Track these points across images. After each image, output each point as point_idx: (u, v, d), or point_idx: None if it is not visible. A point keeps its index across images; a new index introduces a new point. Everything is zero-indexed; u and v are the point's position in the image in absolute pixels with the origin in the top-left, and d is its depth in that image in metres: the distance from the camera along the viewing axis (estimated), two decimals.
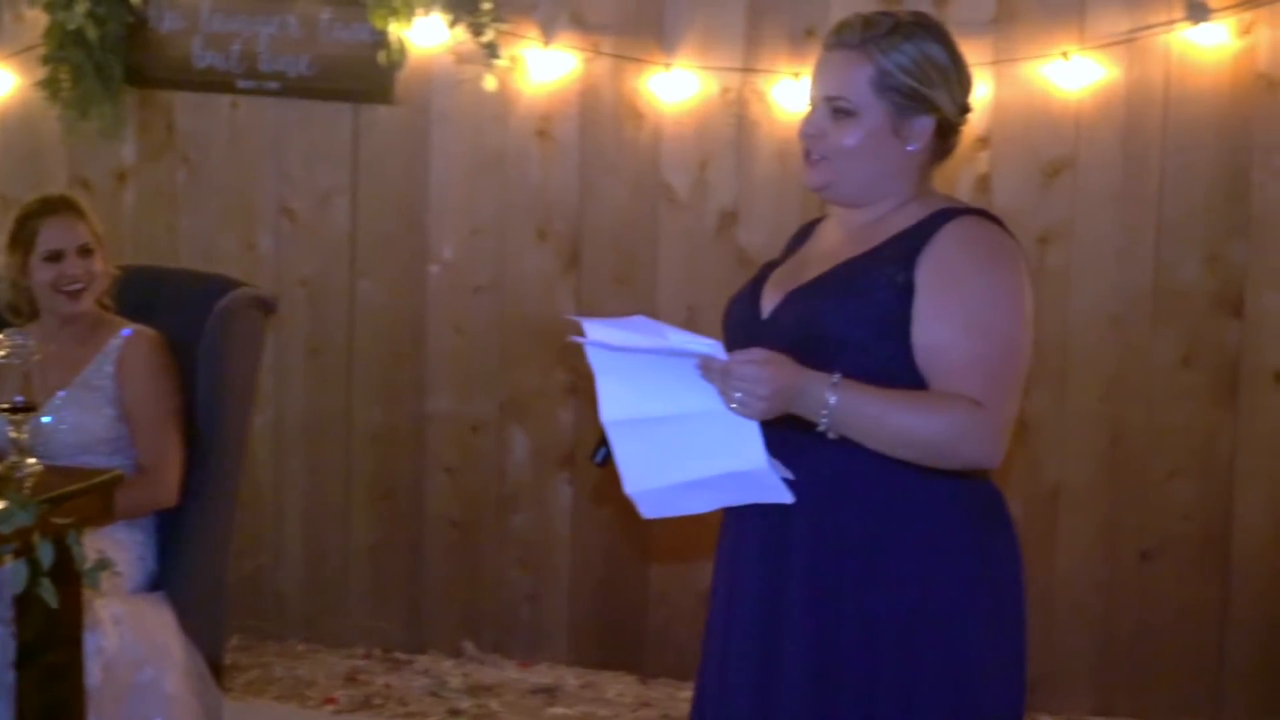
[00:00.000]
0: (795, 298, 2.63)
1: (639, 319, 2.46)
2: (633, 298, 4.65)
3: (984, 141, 4.57)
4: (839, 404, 2.44)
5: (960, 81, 2.64)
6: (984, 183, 4.59)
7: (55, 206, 4.21)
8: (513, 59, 4.82)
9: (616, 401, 2.55)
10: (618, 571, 4.79)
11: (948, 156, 2.69)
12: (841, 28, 2.64)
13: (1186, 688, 4.62)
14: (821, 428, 2.46)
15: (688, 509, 2.63)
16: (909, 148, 2.63)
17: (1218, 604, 4.56)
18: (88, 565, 3.40)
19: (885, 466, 2.52)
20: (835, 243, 2.70)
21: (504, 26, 4.79)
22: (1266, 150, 4.40)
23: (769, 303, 2.68)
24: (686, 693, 4.82)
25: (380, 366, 5.12)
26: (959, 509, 2.57)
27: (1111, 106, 4.51)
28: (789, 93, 4.54)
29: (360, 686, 4.88)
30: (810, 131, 2.63)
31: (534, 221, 4.92)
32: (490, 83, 4.82)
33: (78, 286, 4.10)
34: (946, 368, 2.50)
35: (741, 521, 2.67)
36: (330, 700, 4.77)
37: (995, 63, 4.53)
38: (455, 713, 4.68)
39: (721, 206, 4.73)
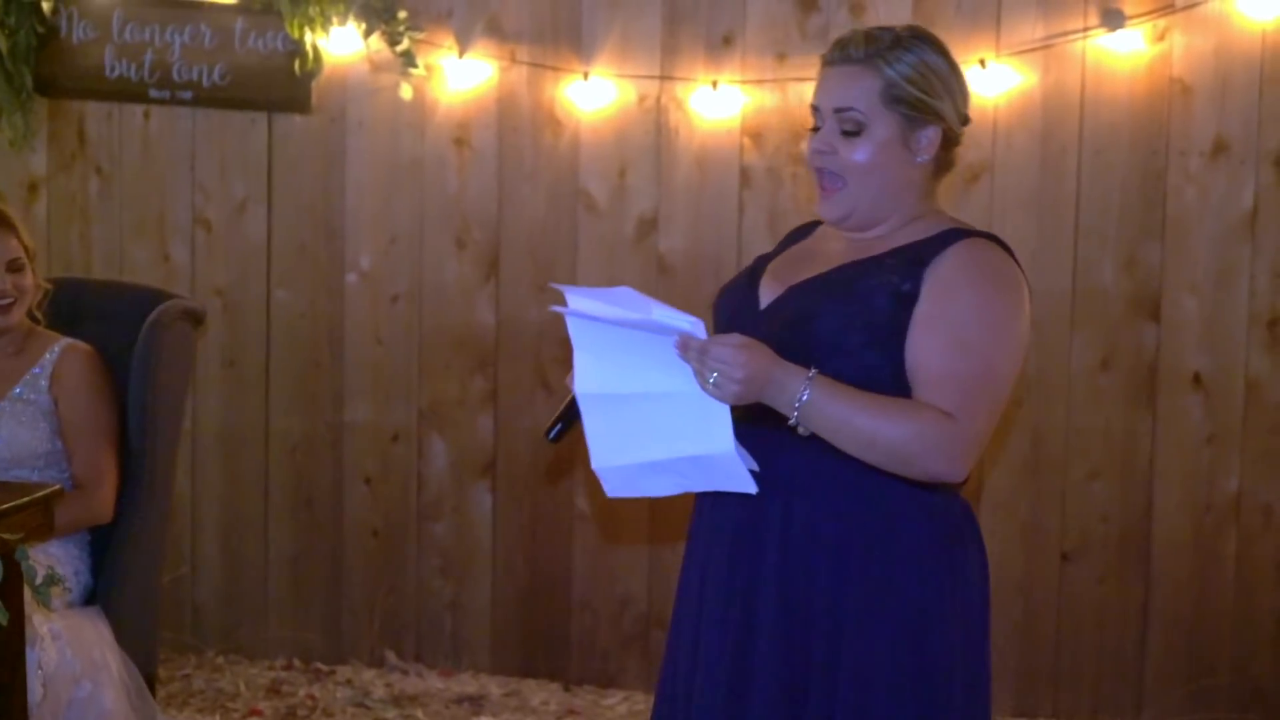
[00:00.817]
0: (796, 292, 2.63)
1: (623, 290, 2.43)
2: (552, 305, 4.63)
3: None
4: (811, 399, 2.44)
5: (961, 91, 2.67)
6: None
7: None
8: (429, 68, 4.78)
9: (591, 374, 2.52)
10: (540, 579, 4.72)
11: (950, 169, 2.70)
12: (844, 44, 2.64)
13: (1107, 687, 4.61)
14: (792, 421, 2.46)
15: (651, 491, 2.61)
16: (918, 160, 2.64)
17: (1138, 604, 4.55)
18: (38, 581, 3.36)
19: (862, 475, 2.53)
20: (839, 244, 2.71)
21: (419, 35, 4.75)
22: (1182, 154, 4.40)
23: (767, 294, 2.68)
24: (610, 699, 4.79)
25: (298, 376, 5.06)
26: (932, 521, 2.58)
27: (1028, 112, 4.49)
28: (707, 100, 4.54)
29: (283, 698, 4.81)
30: (821, 148, 2.63)
31: (452, 230, 4.87)
32: (406, 91, 4.78)
33: (7, 301, 4.02)
34: (925, 378, 2.50)
35: (716, 513, 2.67)
36: (255, 712, 4.70)
37: None
38: None
39: (641, 213, 4.69)
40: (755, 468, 2.51)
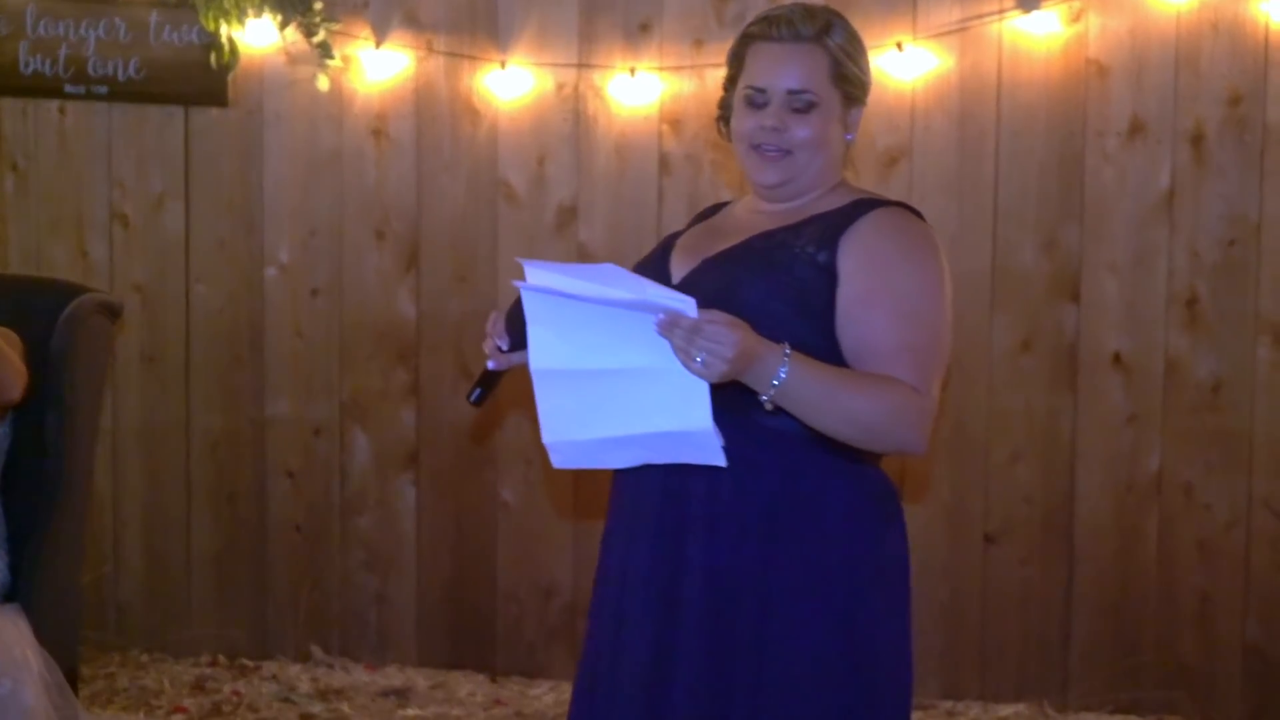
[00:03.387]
0: (710, 265, 2.59)
1: (608, 267, 2.34)
2: (473, 296, 4.56)
3: None
4: (789, 376, 2.38)
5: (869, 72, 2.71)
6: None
7: None
8: (345, 59, 4.72)
9: (547, 350, 2.44)
10: (465, 571, 4.61)
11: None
12: (788, 19, 2.60)
13: (1033, 668, 4.57)
14: (765, 398, 2.40)
15: (607, 463, 2.58)
16: (848, 137, 2.65)
17: (1062, 584, 4.51)
18: None
19: (785, 454, 2.51)
20: (751, 217, 2.68)
21: (336, 26, 4.68)
22: (1099, 135, 4.36)
23: (679, 269, 2.63)
24: (537, 690, 4.72)
25: (218, 372, 4.97)
26: (857, 497, 2.55)
27: (946, 95, 4.46)
28: (625, 88, 4.53)
29: (208, 694, 4.70)
30: (773, 124, 2.58)
31: (371, 222, 4.79)
32: (323, 83, 4.70)
33: None
34: (877, 352, 2.47)
35: (637, 494, 2.63)
36: (180, 709, 4.57)
37: None
38: (307, 717, 4.51)
39: (560, 202, 4.61)
40: (723, 442, 2.43)
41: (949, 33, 4.35)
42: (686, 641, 2.57)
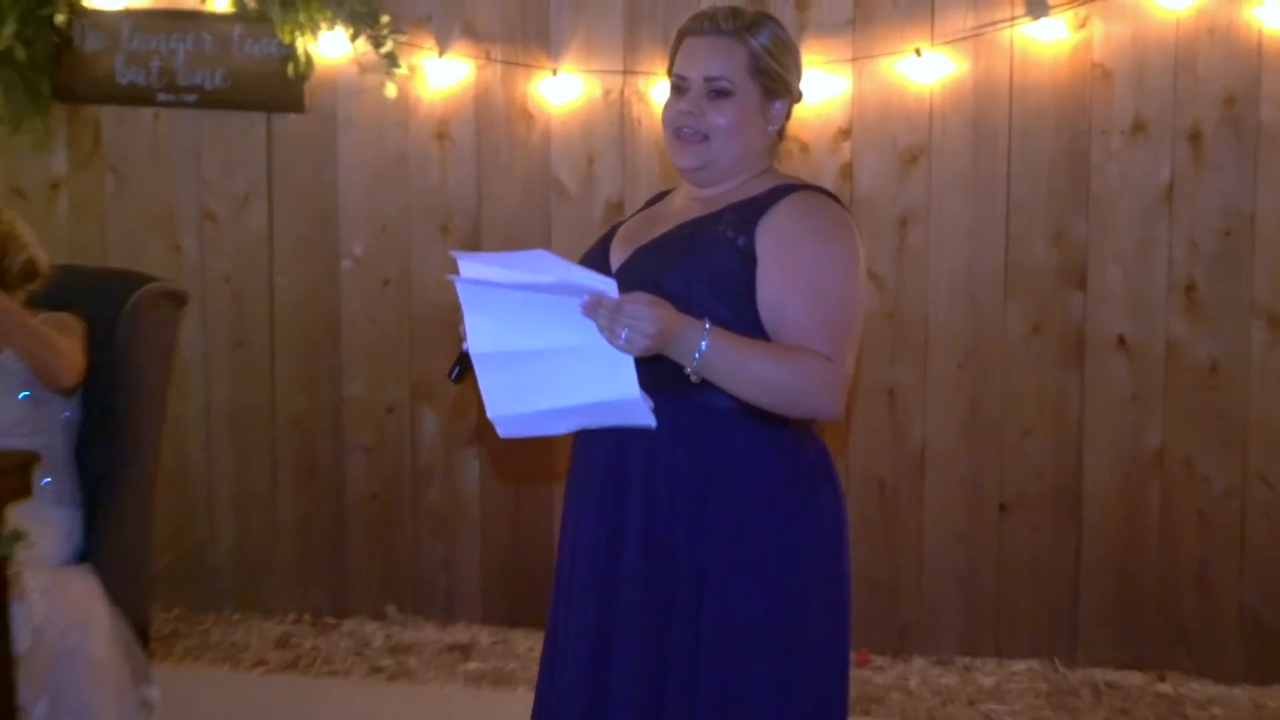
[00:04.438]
0: (640, 254, 2.64)
1: (538, 253, 2.41)
2: None
3: (845, 133, 4.53)
4: (709, 349, 2.43)
5: (800, 70, 2.71)
6: (847, 171, 4.55)
7: None
8: (411, 68, 4.76)
9: (483, 335, 2.51)
10: (524, 536, 4.71)
11: (784, 138, 2.73)
12: (711, 16, 2.65)
13: (1044, 627, 4.61)
14: (688, 370, 2.45)
15: (548, 431, 2.63)
16: (770, 128, 2.66)
17: (1071, 551, 4.54)
18: (5, 536, 3.35)
19: (717, 424, 2.55)
20: (682, 206, 2.71)
21: (402, 38, 4.72)
22: (1104, 134, 4.38)
23: (616, 257, 2.69)
24: None
25: (299, 356, 5.03)
26: (785, 466, 2.59)
27: (961, 98, 4.48)
28: (665, 92, 4.47)
29: (290, 649, 4.82)
30: (689, 109, 2.63)
31: (436, 218, 4.84)
32: (391, 90, 4.75)
33: None
34: (794, 329, 2.51)
35: (586, 462, 2.69)
36: (262, 662, 4.71)
37: (854, 60, 4.50)
38: (376, 670, 4.63)
39: (607, 198, 4.66)
40: (652, 404, 2.51)
41: (964, 39, 4.38)
42: (626, 612, 2.61)
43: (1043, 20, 4.32)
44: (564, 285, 2.38)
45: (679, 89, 2.65)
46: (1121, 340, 4.35)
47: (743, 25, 2.64)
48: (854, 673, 4.23)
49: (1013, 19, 4.34)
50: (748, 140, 2.64)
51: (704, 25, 2.66)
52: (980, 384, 4.51)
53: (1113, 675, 4.48)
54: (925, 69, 4.38)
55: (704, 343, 2.43)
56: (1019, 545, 4.59)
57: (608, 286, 2.40)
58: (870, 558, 4.65)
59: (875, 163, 4.51)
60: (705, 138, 2.63)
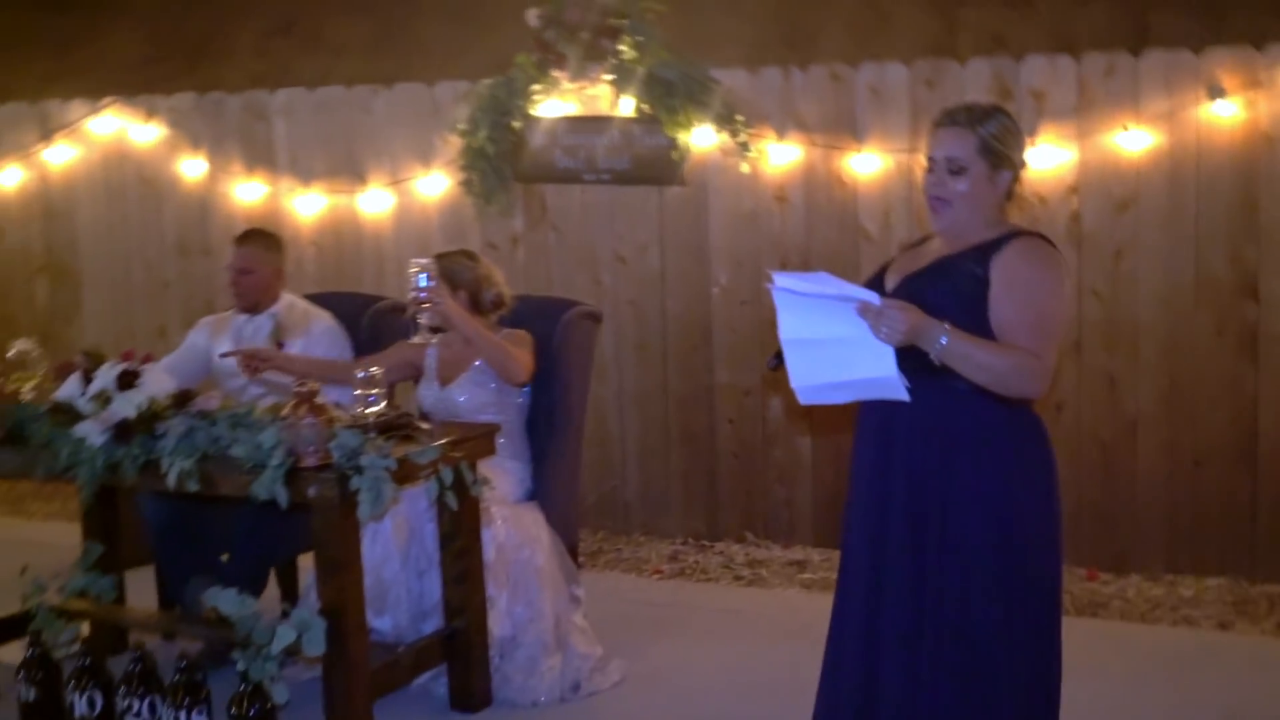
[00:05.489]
0: (908, 280, 2.87)
1: (823, 274, 2.69)
2: None
3: (1074, 189, 5.05)
4: (948, 342, 2.69)
5: (1024, 144, 2.91)
6: (1075, 216, 5.07)
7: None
8: (758, 151, 5.35)
9: (790, 327, 2.74)
10: (843, 482, 4.77)
11: (1013, 198, 2.95)
12: (953, 112, 2.87)
13: (1230, 552, 5.03)
14: (933, 356, 2.68)
15: (833, 400, 2.86)
16: (998, 191, 2.86)
17: (1249, 494, 4.98)
18: (474, 482, 3.87)
19: (964, 400, 2.75)
20: (938, 246, 2.93)
21: (752, 130, 5.35)
22: (1269, 183, 4.82)
23: (891, 281, 2.91)
24: None
25: (683, 355, 5.62)
26: (1009, 429, 2.82)
27: (1160, 160, 4.93)
28: None
29: (678, 563, 5.44)
30: (936, 181, 2.85)
31: (777, 257, 5.43)
32: (745, 167, 5.35)
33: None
34: (1012, 330, 2.74)
35: (870, 419, 2.90)
36: (657, 571, 5.36)
37: (1079, 136, 5.04)
38: (738, 578, 5.21)
39: (900, 241, 5.11)
40: (908, 384, 2.75)
41: (1161, 118, 4.88)
42: (895, 525, 2.86)
43: (1221, 102, 4.78)
44: (843, 295, 2.67)
45: (930, 167, 2.87)
46: None
47: (974, 117, 2.82)
48: (1083, 585, 4.91)
49: (1199, 102, 4.82)
50: (981, 202, 2.83)
51: (946, 118, 2.87)
52: (1178, 370, 4.97)
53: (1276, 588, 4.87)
54: (1132, 140, 4.89)
55: (944, 338, 2.68)
56: (1209, 489, 4.98)
57: (872, 297, 2.67)
58: (1098, 497, 5.09)
59: (1096, 209, 5.02)
60: (949, 202, 2.83)
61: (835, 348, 2.70)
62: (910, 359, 2.71)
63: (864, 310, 2.64)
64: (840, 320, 2.66)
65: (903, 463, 2.84)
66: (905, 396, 2.74)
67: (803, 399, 2.86)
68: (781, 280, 2.69)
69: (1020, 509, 2.81)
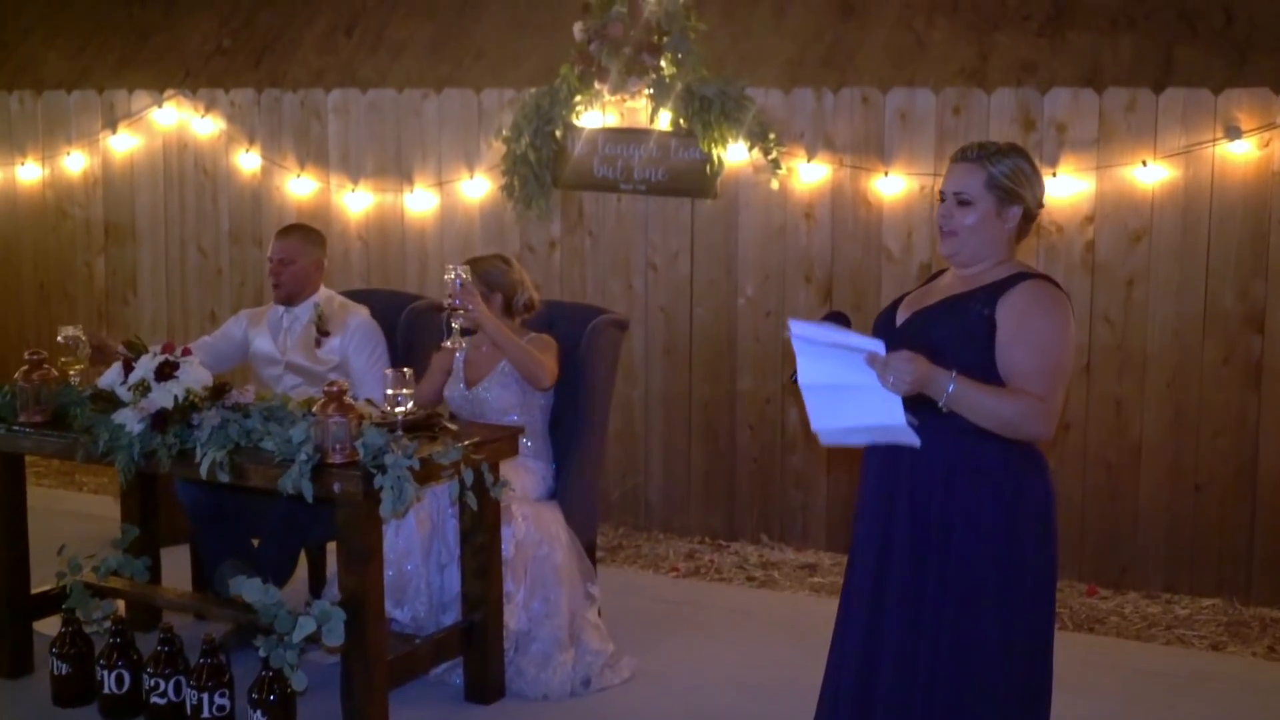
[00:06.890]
0: (918, 315, 2.91)
1: (829, 326, 2.76)
2: (866, 319, 4.66)
3: (1090, 219, 5.07)
4: (955, 390, 2.71)
5: (1038, 186, 2.90)
6: (1090, 246, 5.09)
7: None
8: (789, 168, 5.40)
9: (808, 372, 2.77)
10: (854, 491, 4.65)
11: (1027, 236, 2.97)
12: (965, 149, 2.91)
13: (1227, 574, 5.03)
14: (940, 404, 2.71)
15: (849, 443, 2.88)
16: (1006, 226, 2.87)
17: (1247, 518, 4.99)
18: (494, 484, 3.87)
19: (964, 437, 2.76)
20: (949, 283, 2.96)
21: (783, 148, 5.39)
22: (1279, 221, 4.85)
23: (902, 315, 2.95)
24: None
25: (708, 361, 5.64)
26: (1007, 462, 2.82)
27: (1175, 194, 4.95)
28: None
29: (694, 561, 5.46)
30: (945, 213, 2.89)
31: (802, 271, 5.47)
32: (775, 184, 5.39)
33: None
34: (1020, 375, 2.76)
35: (872, 468, 2.92)
36: (674, 569, 5.38)
37: (1098, 168, 5.06)
38: (751, 578, 5.22)
39: (920, 261, 5.27)
40: (915, 423, 2.75)
41: (1178, 154, 4.90)
42: (897, 552, 2.86)
43: (1236, 140, 4.81)
44: (850, 345, 2.70)
45: (941, 198, 2.91)
46: None
47: (986, 154, 2.84)
48: (1082, 600, 4.90)
49: (1215, 139, 4.85)
50: (986, 234, 2.84)
51: (960, 154, 2.89)
52: (1183, 398, 4.98)
53: (1277, 613, 4.86)
54: (1149, 174, 4.91)
55: (951, 385, 2.69)
56: (1209, 513, 4.98)
57: (878, 347, 2.68)
58: (1102, 516, 5.10)
59: (1110, 240, 5.03)
60: (955, 234, 2.86)
61: (849, 394, 2.73)
62: (918, 398, 2.74)
63: (871, 360, 2.66)
64: (852, 368, 2.69)
65: (907, 487, 2.85)
66: (916, 442, 2.76)
67: (823, 440, 2.90)
68: (798, 329, 2.72)
69: (1018, 537, 2.82)
